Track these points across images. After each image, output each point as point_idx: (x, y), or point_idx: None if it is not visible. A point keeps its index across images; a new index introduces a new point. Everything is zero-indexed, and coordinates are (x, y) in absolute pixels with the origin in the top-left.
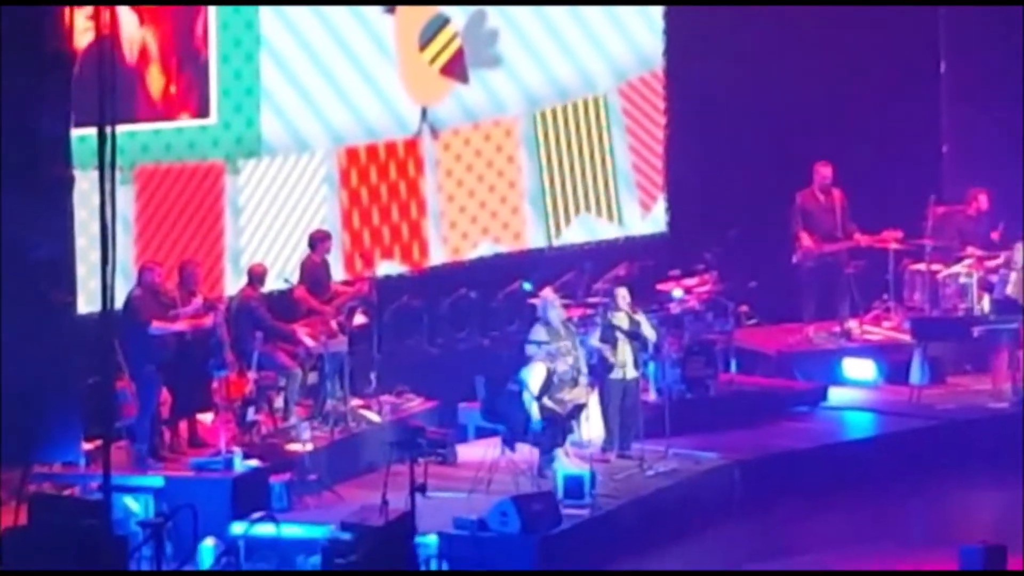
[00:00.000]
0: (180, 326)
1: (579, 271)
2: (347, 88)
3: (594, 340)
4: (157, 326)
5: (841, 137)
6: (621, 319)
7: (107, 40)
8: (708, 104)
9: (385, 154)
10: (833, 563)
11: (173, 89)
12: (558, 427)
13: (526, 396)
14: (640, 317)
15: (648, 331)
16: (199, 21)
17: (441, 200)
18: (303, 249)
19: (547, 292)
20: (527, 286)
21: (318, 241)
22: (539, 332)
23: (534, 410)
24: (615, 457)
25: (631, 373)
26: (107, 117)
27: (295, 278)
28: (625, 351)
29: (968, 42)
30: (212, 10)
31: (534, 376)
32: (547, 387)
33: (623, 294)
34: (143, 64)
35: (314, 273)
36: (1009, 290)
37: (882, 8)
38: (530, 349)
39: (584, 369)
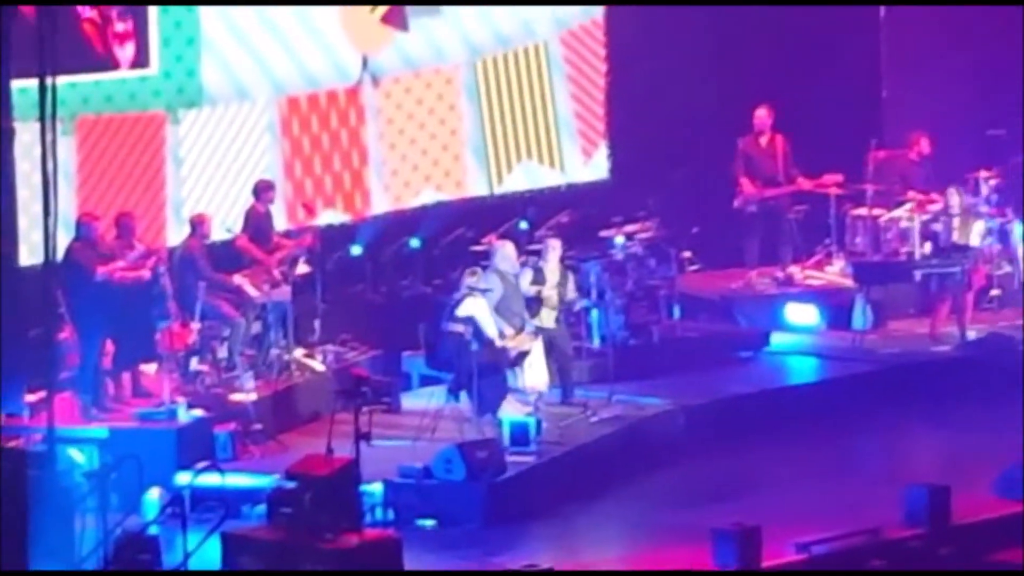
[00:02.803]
0: (123, 272)
1: (515, 221)
2: (288, 37)
3: (523, 283)
4: (103, 271)
5: (781, 82)
6: (551, 271)
7: None
8: (649, 51)
9: (326, 103)
10: (776, 505)
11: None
12: (501, 382)
13: (487, 330)
14: (569, 279)
15: (570, 291)
16: None
17: (383, 148)
18: (245, 199)
19: (503, 244)
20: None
21: (262, 191)
22: (491, 280)
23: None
24: (559, 404)
25: (550, 324)
26: (47, 68)
27: (238, 227)
28: (551, 301)
29: None
30: None
31: (478, 311)
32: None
33: (554, 245)
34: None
35: (257, 223)
36: (955, 236)
37: None
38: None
39: (527, 317)
